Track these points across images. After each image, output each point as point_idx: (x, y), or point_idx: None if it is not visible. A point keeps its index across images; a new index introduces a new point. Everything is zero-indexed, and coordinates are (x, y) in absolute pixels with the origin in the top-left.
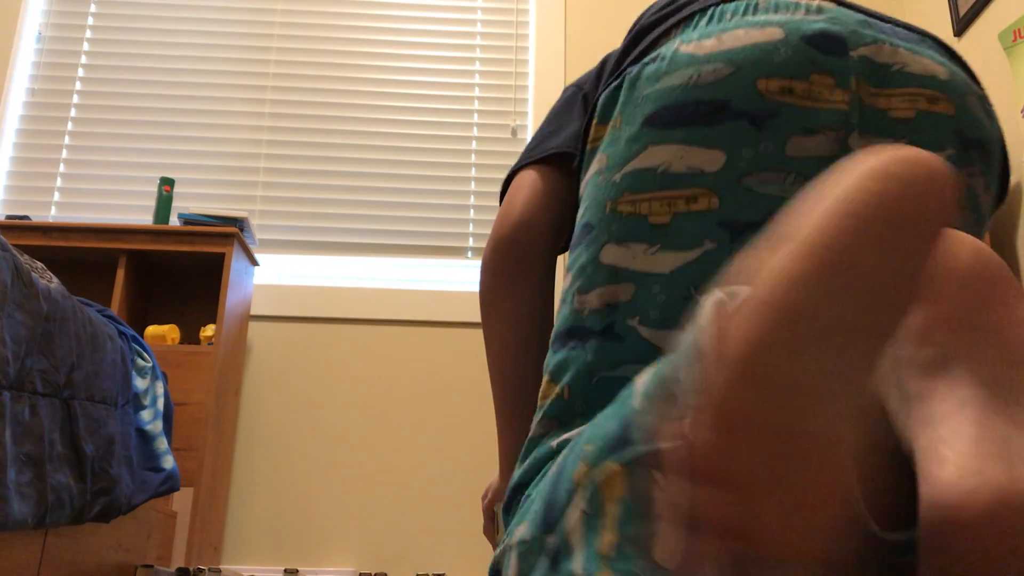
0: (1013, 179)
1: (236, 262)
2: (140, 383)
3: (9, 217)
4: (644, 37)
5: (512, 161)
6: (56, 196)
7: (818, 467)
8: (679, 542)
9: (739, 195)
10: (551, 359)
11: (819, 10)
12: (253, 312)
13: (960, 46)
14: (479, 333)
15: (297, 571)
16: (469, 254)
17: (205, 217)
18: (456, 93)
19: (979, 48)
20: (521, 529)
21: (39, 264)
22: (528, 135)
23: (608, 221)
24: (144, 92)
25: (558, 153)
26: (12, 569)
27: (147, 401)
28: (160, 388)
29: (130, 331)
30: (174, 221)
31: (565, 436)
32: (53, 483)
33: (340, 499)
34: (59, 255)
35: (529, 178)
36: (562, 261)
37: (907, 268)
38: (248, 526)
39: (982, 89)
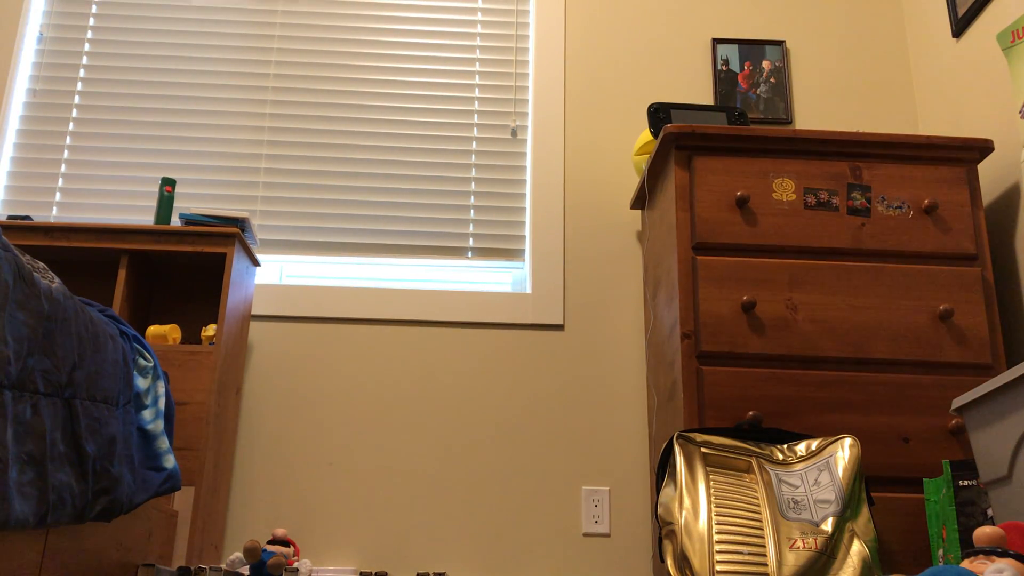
0: (1012, 179)
1: (237, 262)
2: (141, 383)
3: (11, 217)
4: None
5: (512, 161)
6: (57, 196)
7: None
8: None
9: None
10: None
11: None
12: (254, 312)
13: (958, 47)
14: (479, 333)
15: (297, 570)
16: (469, 254)
17: (206, 217)
18: (456, 93)
19: (978, 49)
20: None
21: (41, 264)
22: (528, 135)
23: None
24: (145, 92)
25: None
26: (13, 568)
27: (148, 400)
28: (161, 388)
29: (131, 331)
30: (175, 221)
31: None
32: (54, 482)
33: (341, 498)
34: (60, 255)
35: None
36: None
37: None
38: (249, 525)
39: None
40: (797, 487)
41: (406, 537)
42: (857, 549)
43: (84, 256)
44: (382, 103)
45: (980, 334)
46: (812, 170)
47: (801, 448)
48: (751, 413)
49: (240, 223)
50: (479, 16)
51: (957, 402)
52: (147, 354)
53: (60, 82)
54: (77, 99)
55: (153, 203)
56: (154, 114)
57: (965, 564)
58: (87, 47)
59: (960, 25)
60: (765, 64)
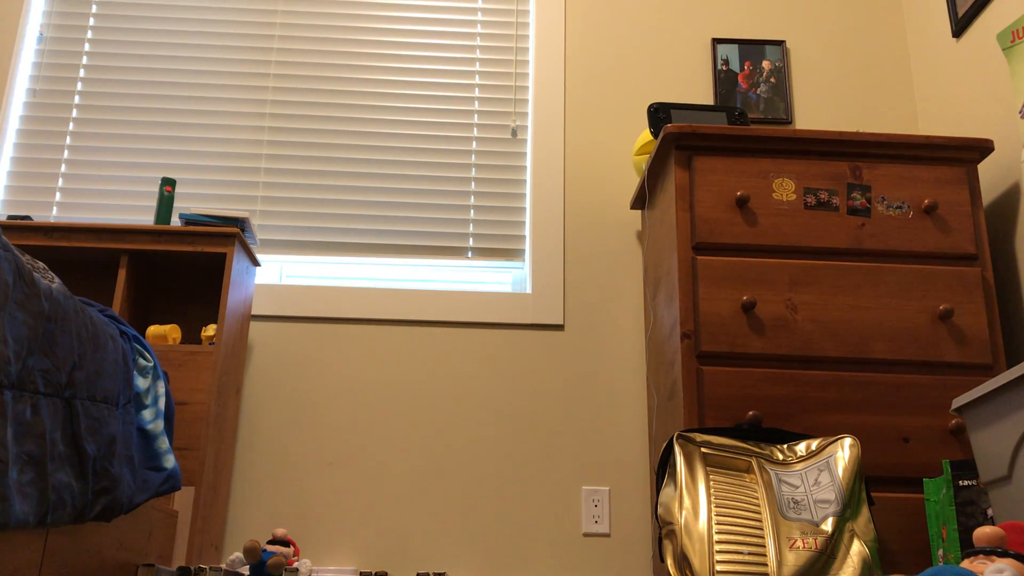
0: (1012, 179)
1: (237, 262)
2: (141, 383)
3: (10, 217)
4: None
5: (512, 161)
6: (57, 196)
7: None
8: None
9: None
10: None
11: None
12: (254, 312)
13: (958, 47)
14: (479, 333)
15: (297, 570)
16: (469, 254)
17: (206, 217)
18: (456, 93)
19: (978, 49)
20: None
21: (41, 264)
22: (528, 135)
23: None
24: (145, 92)
25: None
26: (13, 568)
27: (148, 400)
28: (161, 387)
29: (132, 331)
30: (175, 221)
31: None
32: (54, 482)
33: (341, 498)
34: (60, 255)
35: None
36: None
37: None
38: (249, 525)
39: None
40: (797, 487)
41: (406, 537)
42: (857, 549)
43: (84, 256)
44: (382, 103)
45: (980, 334)
46: (812, 170)
47: (801, 448)
48: (751, 413)
49: (240, 223)
50: (479, 16)
51: (957, 402)
52: (147, 354)
53: (60, 82)
54: (77, 99)
55: (153, 203)
56: (154, 114)
57: (965, 564)
58: (87, 47)
59: (960, 25)
60: (765, 64)
